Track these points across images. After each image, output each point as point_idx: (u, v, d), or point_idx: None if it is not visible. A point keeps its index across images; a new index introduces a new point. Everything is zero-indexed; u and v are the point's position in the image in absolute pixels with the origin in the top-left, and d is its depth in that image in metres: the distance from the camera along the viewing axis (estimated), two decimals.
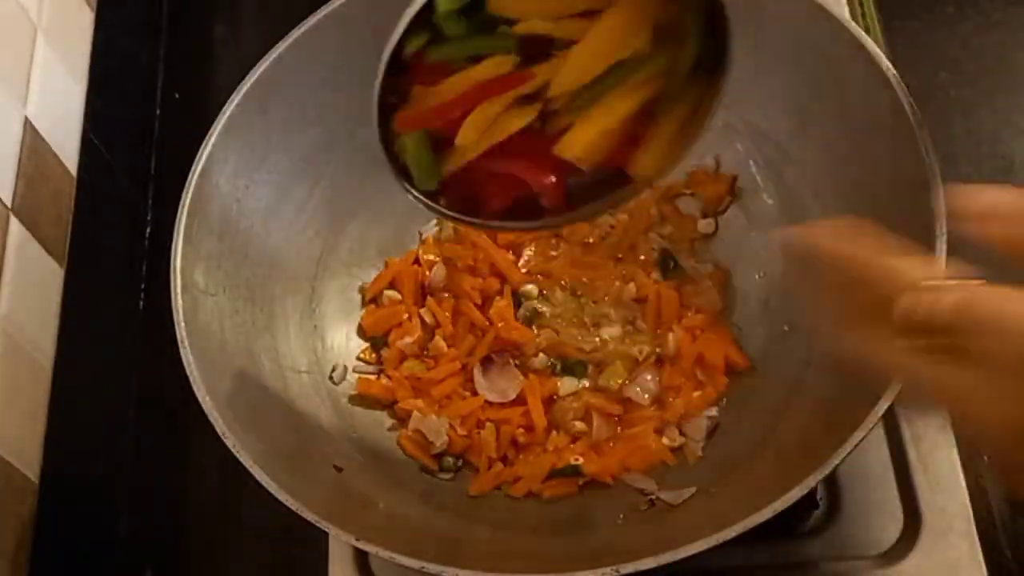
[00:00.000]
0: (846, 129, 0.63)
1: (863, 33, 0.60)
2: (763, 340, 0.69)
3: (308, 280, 0.72)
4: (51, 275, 0.78)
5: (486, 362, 0.70)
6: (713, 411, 0.68)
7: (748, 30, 0.66)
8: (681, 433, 0.67)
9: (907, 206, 0.58)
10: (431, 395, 0.70)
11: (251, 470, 0.55)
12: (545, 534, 0.63)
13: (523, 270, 0.74)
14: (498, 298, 0.73)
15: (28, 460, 0.72)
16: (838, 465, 0.50)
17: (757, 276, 0.71)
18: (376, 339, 0.73)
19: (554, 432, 0.69)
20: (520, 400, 0.69)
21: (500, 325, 0.71)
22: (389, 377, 0.71)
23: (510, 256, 0.74)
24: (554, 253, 0.75)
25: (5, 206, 0.73)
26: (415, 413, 0.69)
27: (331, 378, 0.71)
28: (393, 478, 0.66)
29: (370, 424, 0.70)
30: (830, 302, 0.46)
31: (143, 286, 0.90)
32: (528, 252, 0.75)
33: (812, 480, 0.50)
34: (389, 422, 0.71)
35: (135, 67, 0.97)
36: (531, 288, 0.72)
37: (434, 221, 0.76)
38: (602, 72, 0.51)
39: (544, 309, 0.72)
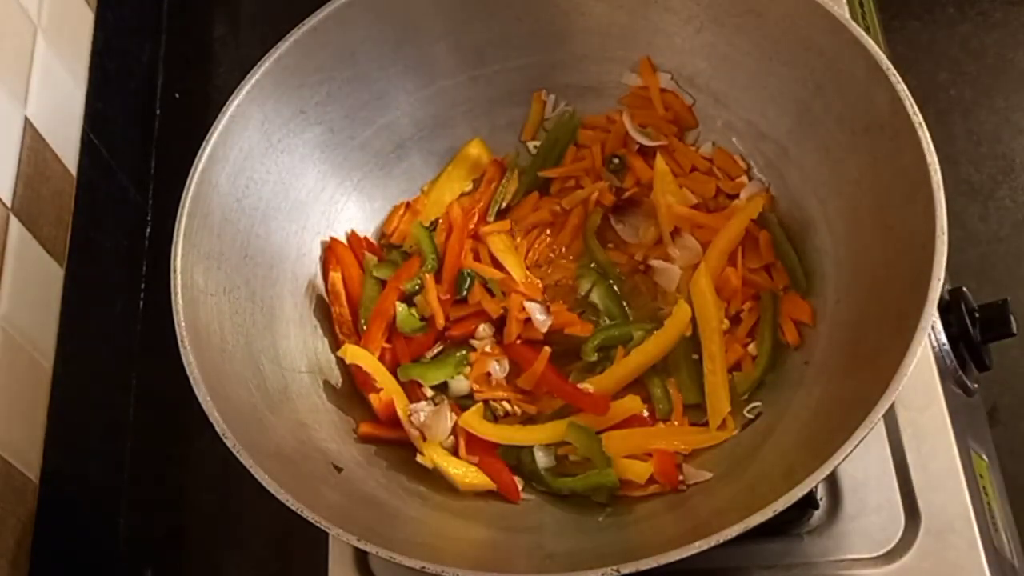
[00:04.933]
0: (846, 129, 0.63)
1: (863, 33, 0.60)
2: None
3: (308, 280, 0.72)
4: (51, 275, 0.78)
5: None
6: None
7: (748, 29, 0.67)
8: None
9: (907, 206, 0.58)
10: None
11: (251, 470, 0.55)
12: (545, 534, 0.63)
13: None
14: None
15: (28, 460, 0.72)
16: (838, 465, 0.50)
17: None
18: None
19: None
20: None
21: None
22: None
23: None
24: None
25: (5, 206, 0.73)
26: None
27: (331, 378, 0.71)
28: (394, 478, 0.66)
29: None
30: None
31: (143, 286, 0.90)
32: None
33: (812, 480, 0.50)
34: None
35: (135, 67, 0.97)
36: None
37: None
38: None
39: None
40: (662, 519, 0.62)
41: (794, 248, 0.68)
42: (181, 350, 0.59)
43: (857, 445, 0.51)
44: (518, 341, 0.70)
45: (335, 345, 0.71)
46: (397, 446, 0.68)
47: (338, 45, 0.69)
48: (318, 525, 0.53)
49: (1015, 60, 0.99)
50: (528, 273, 0.73)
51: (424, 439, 0.67)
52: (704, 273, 0.68)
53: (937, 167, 0.56)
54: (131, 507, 0.82)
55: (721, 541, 0.50)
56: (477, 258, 0.73)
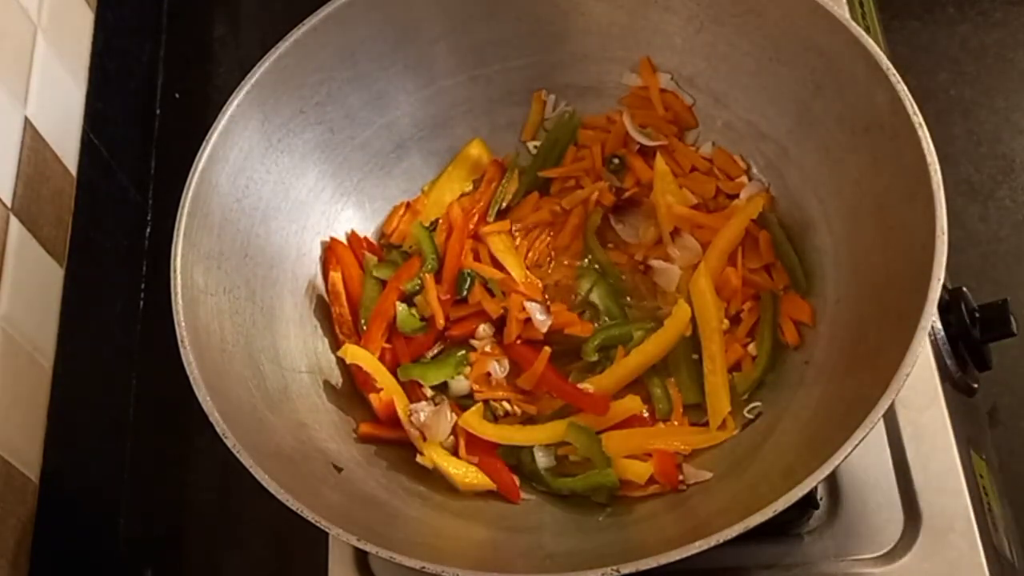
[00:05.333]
0: (846, 129, 0.63)
1: (863, 33, 0.60)
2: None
3: (308, 280, 0.72)
4: (51, 275, 0.78)
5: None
6: None
7: (748, 29, 0.67)
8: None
9: (907, 206, 0.58)
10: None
11: (251, 470, 0.55)
12: (545, 534, 0.63)
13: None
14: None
15: (28, 460, 0.72)
16: (838, 465, 0.50)
17: None
18: None
19: None
20: None
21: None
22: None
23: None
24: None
25: (5, 206, 0.73)
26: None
27: (331, 378, 0.71)
28: (394, 478, 0.66)
29: None
30: None
31: (143, 286, 0.90)
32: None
33: (812, 480, 0.50)
34: None
35: (135, 67, 0.97)
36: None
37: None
38: None
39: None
40: (662, 519, 0.62)
41: (794, 248, 0.68)
42: (181, 350, 0.59)
43: (857, 445, 0.51)
44: (518, 341, 0.70)
45: (335, 345, 0.71)
46: (397, 446, 0.68)
47: (338, 45, 0.69)
48: (318, 525, 0.53)
49: (1015, 60, 0.99)
50: (528, 273, 0.73)
51: (424, 439, 0.67)
52: (704, 273, 0.68)
53: (937, 167, 0.56)
54: (131, 507, 0.82)
55: (721, 541, 0.50)
56: (477, 258, 0.73)
